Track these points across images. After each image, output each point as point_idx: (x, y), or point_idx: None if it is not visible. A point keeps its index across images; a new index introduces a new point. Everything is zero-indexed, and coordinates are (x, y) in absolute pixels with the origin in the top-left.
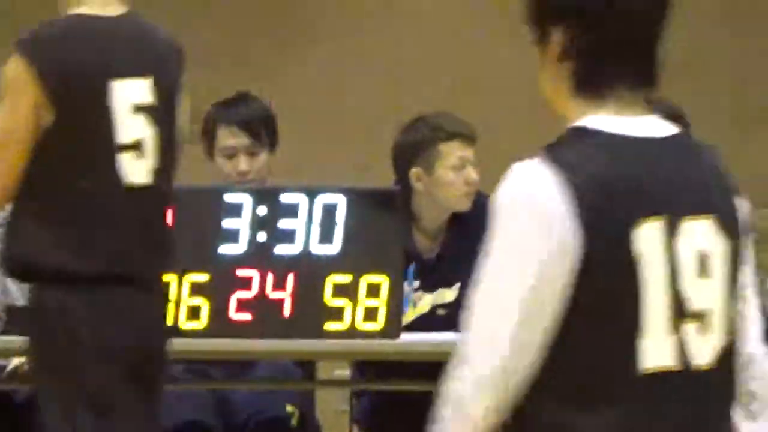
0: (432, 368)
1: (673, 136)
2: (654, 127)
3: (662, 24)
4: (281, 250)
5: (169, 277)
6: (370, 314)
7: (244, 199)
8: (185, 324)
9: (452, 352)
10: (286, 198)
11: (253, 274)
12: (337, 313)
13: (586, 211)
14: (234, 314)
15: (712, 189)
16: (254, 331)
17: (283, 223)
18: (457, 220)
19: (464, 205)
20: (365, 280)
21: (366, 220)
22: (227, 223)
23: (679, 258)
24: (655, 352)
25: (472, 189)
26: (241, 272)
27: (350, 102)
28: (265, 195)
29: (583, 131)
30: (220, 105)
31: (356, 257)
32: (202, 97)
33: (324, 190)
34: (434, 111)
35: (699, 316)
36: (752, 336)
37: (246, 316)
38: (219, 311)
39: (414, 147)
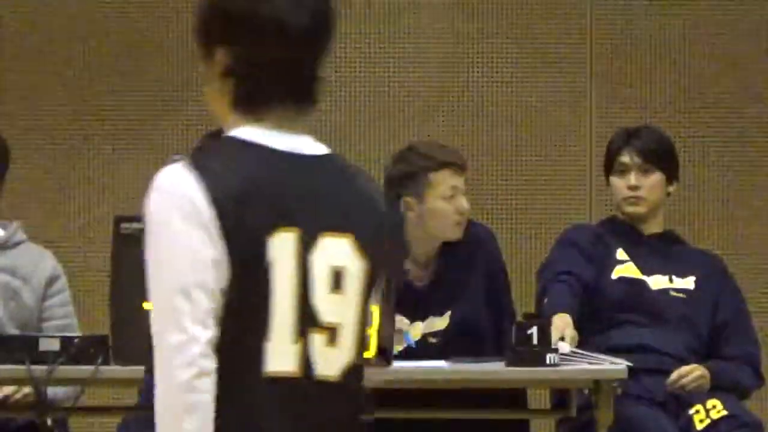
0: (423, 396)
1: (326, 156)
2: (307, 145)
3: (322, 45)
4: None
5: None
6: (364, 343)
7: None
8: None
9: (443, 380)
10: None
11: None
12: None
13: (225, 218)
14: None
15: (356, 210)
16: None
17: None
18: (448, 248)
19: (455, 234)
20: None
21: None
22: None
23: (313, 271)
24: (279, 357)
25: (464, 218)
26: None
27: (339, 130)
28: None
29: (232, 140)
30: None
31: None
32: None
33: None
34: (425, 140)
35: (328, 329)
36: None
37: None
38: None
39: (405, 176)
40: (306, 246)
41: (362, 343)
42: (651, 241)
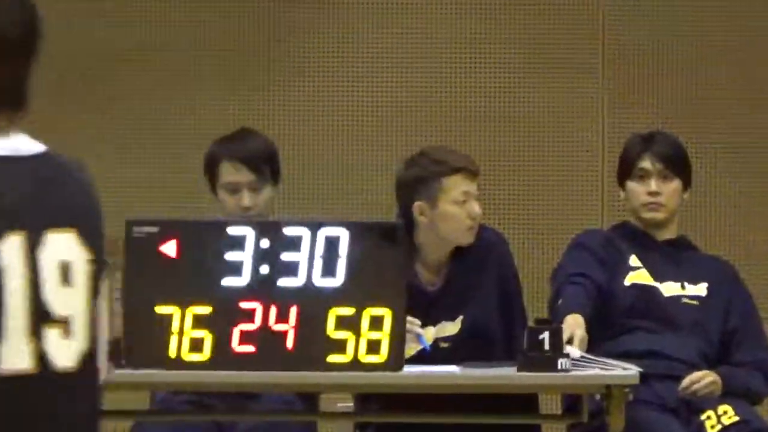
0: (434, 400)
1: (41, 155)
2: (23, 145)
3: (32, 51)
4: (284, 282)
5: (172, 309)
6: (373, 347)
7: (247, 232)
8: (188, 356)
9: (455, 385)
10: (288, 231)
11: (256, 306)
12: (340, 346)
13: None
14: (237, 346)
15: (77, 204)
16: (257, 363)
17: (286, 256)
18: (459, 253)
19: (468, 239)
20: (368, 313)
21: (369, 253)
22: (230, 256)
23: (43, 268)
24: (14, 356)
25: (476, 223)
26: (244, 305)
27: (349, 135)
28: (268, 228)
29: None
30: (222, 141)
31: (359, 290)
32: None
33: (327, 223)
34: (437, 144)
35: (61, 322)
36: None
37: (249, 348)
38: (221, 343)
39: (417, 181)
40: (33, 245)
41: (91, 333)
42: (663, 248)
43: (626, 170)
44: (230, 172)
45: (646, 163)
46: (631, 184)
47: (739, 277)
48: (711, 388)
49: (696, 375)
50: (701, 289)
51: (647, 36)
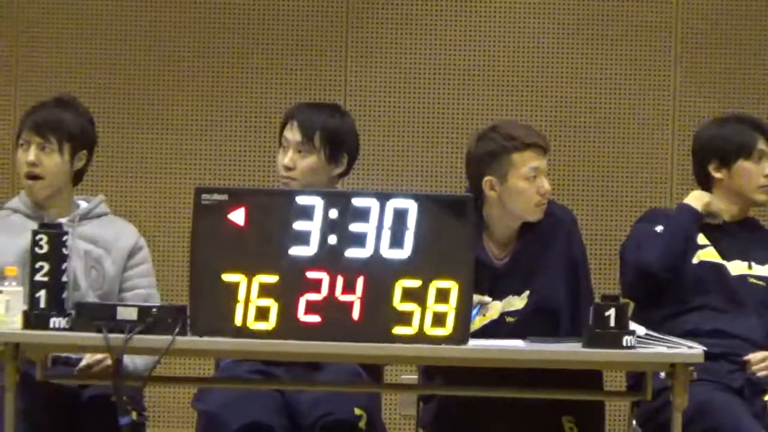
0: (498, 375)
1: None
2: None
3: None
4: (351, 253)
5: (239, 277)
6: (439, 319)
7: (316, 202)
8: (253, 324)
9: (520, 359)
10: (357, 202)
11: (323, 276)
12: (405, 318)
13: None
14: (302, 316)
15: None
16: (322, 333)
17: (354, 227)
18: (527, 229)
19: (536, 215)
20: (434, 286)
21: (437, 226)
22: (298, 226)
23: None
24: None
25: (545, 199)
26: (311, 274)
27: (418, 109)
28: (337, 198)
29: None
30: (303, 104)
31: (426, 262)
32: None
33: (395, 195)
34: (508, 119)
35: None
36: None
37: (315, 318)
38: (287, 313)
39: (487, 156)
40: None
41: None
42: (731, 227)
43: (736, 151)
44: (287, 129)
45: (764, 145)
46: (747, 165)
47: None
48: None
49: (757, 355)
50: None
51: (721, 20)
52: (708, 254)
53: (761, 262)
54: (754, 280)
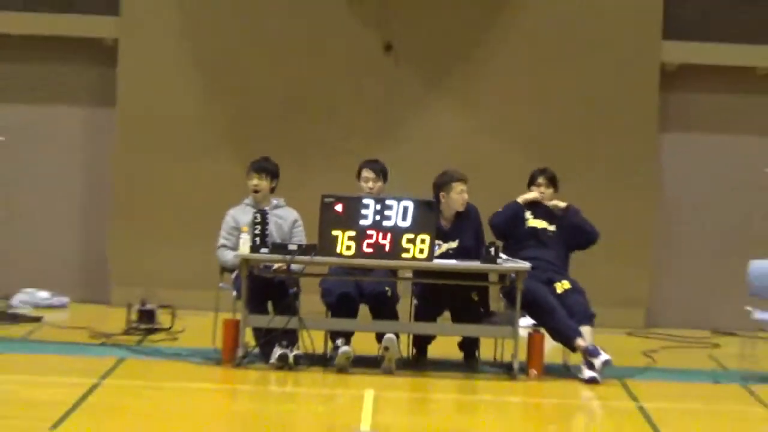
0: (448, 274)
1: None
2: None
3: None
4: (385, 223)
5: (338, 233)
6: (421, 251)
7: (370, 203)
8: (344, 251)
9: (455, 268)
10: (388, 202)
11: (373, 233)
12: (407, 250)
13: None
14: (365, 248)
15: None
16: (373, 256)
17: (386, 212)
18: (457, 214)
19: (461, 209)
20: (419, 237)
21: (421, 212)
22: (364, 212)
23: None
24: None
25: (465, 202)
26: (369, 231)
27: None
28: (379, 200)
29: None
30: (367, 160)
31: (416, 228)
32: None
33: (403, 199)
34: (452, 167)
35: None
36: None
37: (369, 250)
38: (358, 247)
39: (442, 183)
40: None
41: None
42: (540, 208)
43: (530, 179)
44: (364, 174)
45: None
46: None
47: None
48: (560, 206)
49: (553, 202)
50: (554, 227)
51: None
52: (531, 222)
53: (552, 223)
54: (550, 233)
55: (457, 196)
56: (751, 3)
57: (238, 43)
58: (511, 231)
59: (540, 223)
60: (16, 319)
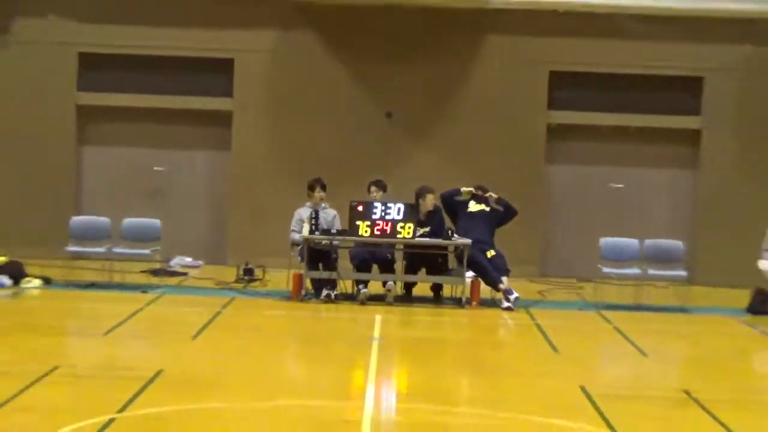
0: (424, 246)
1: None
2: None
3: None
4: (388, 217)
5: (360, 223)
6: (408, 233)
7: (378, 203)
8: (364, 234)
9: (426, 245)
10: (389, 205)
11: (381, 222)
12: (399, 232)
13: None
14: (375, 231)
15: None
16: (381, 237)
17: (389, 215)
18: (429, 212)
19: (431, 208)
20: (407, 224)
21: (409, 212)
22: (375, 211)
23: None
24: None
25: (433, 204)
26: (378, 222)
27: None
28: (384, 204)
29: None
30: (373, 180)
31: (405, 219)
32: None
33: (394, 202)
34: (426, 184)
35: None
36: None
37: (378, 232)
38: (372, 230)
39: (419, 193)
40: None
41: None
42: (480, 197)
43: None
44: (372, 188)
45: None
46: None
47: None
48: (494, 196)
49: (489, 193)
50: (488, 209)
51: None
52: (472, 206)
53: (487, 206)
54: (484, 215)
55: (429, 201)
56: (603, 89)
57: (301, 114)
58: (455, 210)
59: (478, 207)
60: (172, 274)
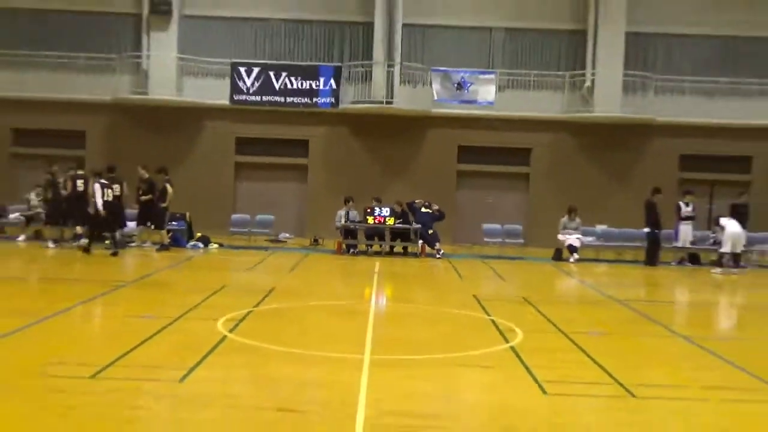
0: (399, 228)
1: None
2: None
3: None
4: (385, 215)
5: (369, 217)
6: (392, 222)
7: (380, 204)
8: (370, 222)
9: (401, 227)
10: (385, 206)
11: (380, 217)
12: (386, 222)
13: None
14: (373, 221)
15: None
16: (381, 224)
17: (385, 212)
18: (402, 212)
19: (403, 210)
20: (390, 218)
21: (392, 212)
22: (378, 209)
23: None
24: None
25: (402, 208)
26: (378, 220)
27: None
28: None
29: None
30: (375, 197)
31: (401, 217)
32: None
33: (386, 206)
34: (400, 199)
35: None
36: None
37: (378, 220)
38: (375, 221)
39: (411, 205)
40: None
41: None
42: (427, 206)
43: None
44: (374, 201)
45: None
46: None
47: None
48: (435, 207)
49: (435, 206)
50: (431, 211)
51: None
52: (423, 210)
53: (431, 210)
54: (429, 215)
55: (402, 207)
56: (485, 154)
57: (339, 166)
58: (415, 211)
59: (426, 210)
60: (279, 241)
